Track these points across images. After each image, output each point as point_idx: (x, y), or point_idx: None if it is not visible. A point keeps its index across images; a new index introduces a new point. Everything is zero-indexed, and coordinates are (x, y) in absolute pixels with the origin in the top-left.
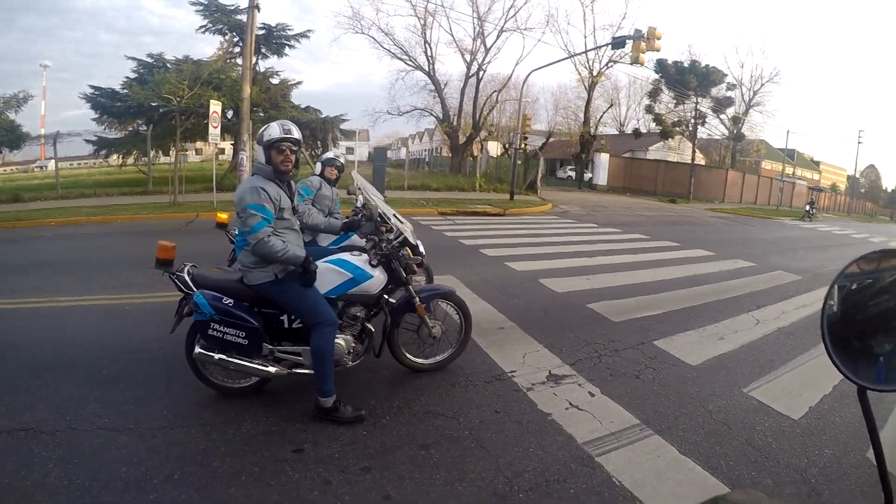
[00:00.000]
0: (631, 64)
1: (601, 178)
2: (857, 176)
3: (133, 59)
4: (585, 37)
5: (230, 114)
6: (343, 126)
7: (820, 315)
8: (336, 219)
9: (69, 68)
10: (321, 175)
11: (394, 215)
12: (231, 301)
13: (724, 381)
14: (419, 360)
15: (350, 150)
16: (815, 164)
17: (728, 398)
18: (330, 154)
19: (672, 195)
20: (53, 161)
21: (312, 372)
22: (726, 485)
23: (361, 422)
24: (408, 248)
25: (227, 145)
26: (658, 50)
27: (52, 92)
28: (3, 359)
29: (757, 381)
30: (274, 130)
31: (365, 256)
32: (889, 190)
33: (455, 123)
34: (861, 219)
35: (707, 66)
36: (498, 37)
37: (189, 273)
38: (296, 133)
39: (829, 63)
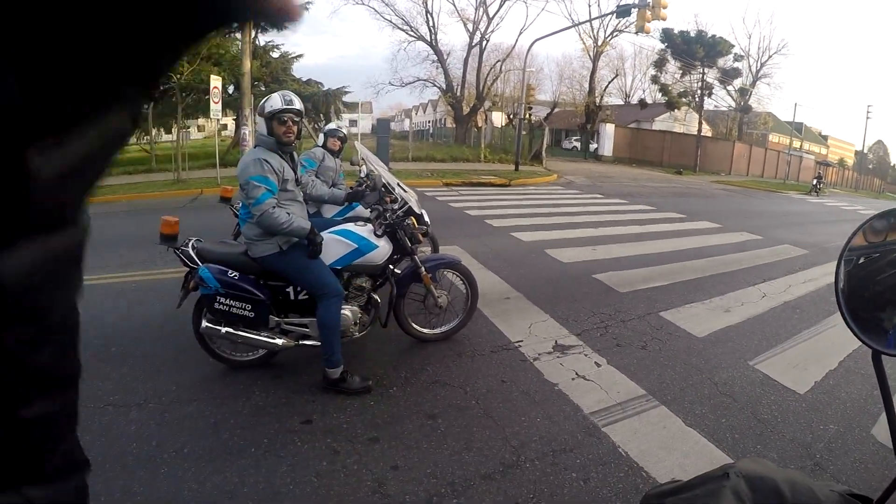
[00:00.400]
0: (636, 33)
1: (606, 148)
2: (866, 151)
3: None
4: (590, 5)
5: (231, 89)
6: (346, 98)
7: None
8: (340, 190)
9: None
10: (324, 146)
11: (398, 184)
12: (236, 274)
13: (729, 353)
14: (425, 330)
15: (353, 123)
16: (822, 139)
17: (734, 371)
18: (332, 125)
19: (678, 167)
20: None
21: (319, 343)
22: (731, 457)
23: (369, 392)
24: (412, 218)
25: (229, 121)
26: (664, 19)
27: None
28: None
29: (763, 354)
30: (275, 101)
31: (369, 227)
32: None
33: (459, 94)
34: (869, 195)
35: (714, 36)
36: (501, 5)
37: (193, 247)
38: (297, 103)
39: (839, 35)
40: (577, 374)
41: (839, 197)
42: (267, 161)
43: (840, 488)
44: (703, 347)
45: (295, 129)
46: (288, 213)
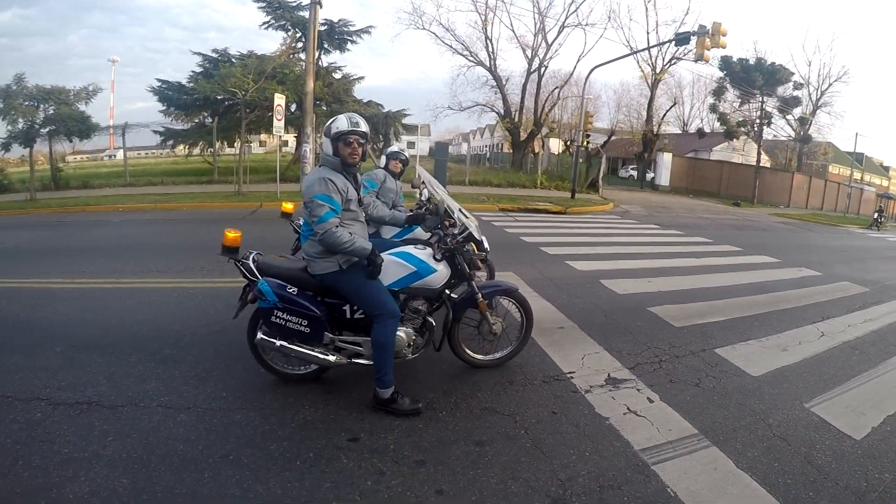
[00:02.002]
0: (695, 61)
1: (663, 178)
2: None
3: (199, 53)
4: (648, 33)
5: (293, 107)
6: (405, 121)
7: None
8: (400, 211)
9: (136, 63)
10: (385, 168)
11: (459, 210)
12: (295, 289)
13: (785, 394)
14: (478, 356)
15: (411, 145)
16: (884, 170)
17: (789, 412)
18: (394, 147)
19: (736, 198)
20: (122, 150)
21: (372, 363)
22: (782, 503)
23: (418, 415)
24: (472, 244)
25: (291, 138)
26: (723, 47)
27: (120, 85)
28: (68, 335)
29: (819, 396)
30: (342, 123)
31: (429, 250)
32: None
33: (516, 120)
34: None
35: (773, 63)
36: (559, 32)
37: (254, 260)
38: (363, 126)
39: None
40: (628, 408)
41: None
42: (332, 181)
43: None
44: (758, 387)
45: (360, 150)
46: (350, 233)
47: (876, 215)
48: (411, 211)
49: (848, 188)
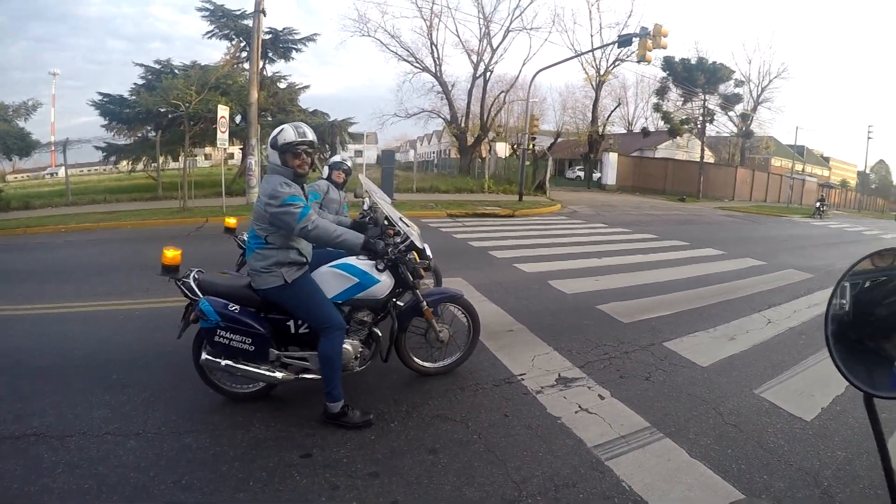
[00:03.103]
0: (638, 62)
1: (610, 177)
2: (868, 172)
3: (141, 65)
4: (592, 35)
5: (238, 118)
6: (351, 129)
7: (824, 316)
8: (344, 221)
9: (78, 76)
10: (328, 179)
11: (400, 219)
12: (237, 307)
13: (734, 382)
14: (427, 364)
15: (358, 153)
16: (824, 161)
17: (739, 400)
18: (337, 158)
19: (681, 194)
20: (63, 168)
21: (320, 377)
22: (738, 489)
23: (370, 426)
24: (415, 253)
25: (236, 150)
26: (665, 47)
27: (61, 99)
28: (12, 365)
29: (768, 382)
30: (289, 134)
31: (371, 261)
32: None
33: (463, 125)
34: (872, 215)
35: (714, 62)
36: (504, 37)
37: (195, 279)
38: (310, 135)
39: (838, 57)
40: (580, 406)
41: (843, 219)
42: (290, 185)
43: None
44: (708, 377)
45: (308, 160)
46: (328, 222)
47: (818, 204)
48: (355, 221)
49: (790, 180)
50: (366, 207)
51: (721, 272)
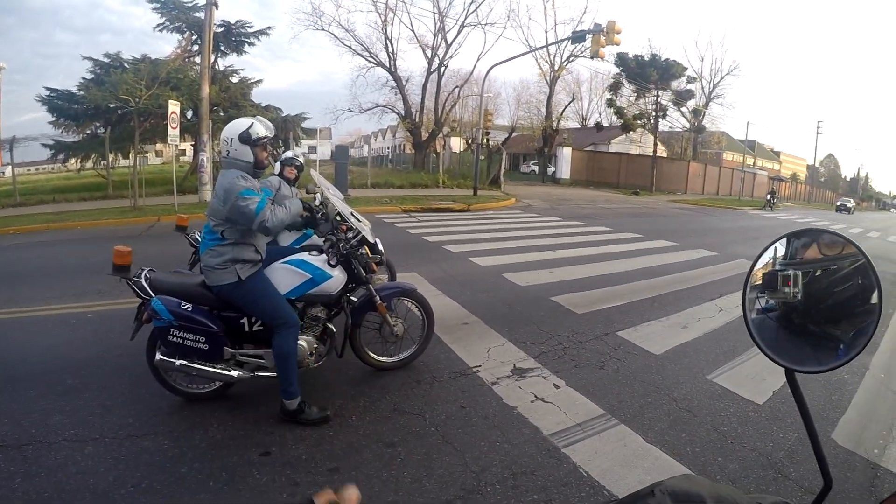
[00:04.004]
0: (591, 58)
1: (564, 171)
2: (817, 165)
3: (89, 59)
4: (546, 31)
5: (189, 114)
6: (305, 125)
7: (742, 297)
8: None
9: (26, 69)
10: (280, 175)
11: (351, 214)
12: (190, 306)
13: (687, 368)
14: (383, 359)
15: (312, 149)
16: (775, 155)
17: (692, 386)
18: (289, 153)
19: (635, 187)
20: (10, 167)
21: (276, 374)
22: (693, 471)
23: (327, 422)
24: (366, 247)
25: (188, 146)
26: (618, 44)
27: (7, 95)
28: None
29: (721, 367)
30: (261, 128)
31: (324, 256)
32: (847, 178)
33: (417, 120)
34: (821, 207)
35: (667, 59)
36: (459, 32)
37: (146, 278)
38: (273, 130)
39: (789, 54)
40: (535, 396)
41: (793, 210)
42: (248, 177)
43: (770, 500)
44: (662, 364)
45: (270, 153)
46: (283, 208)
47: (769, 196)
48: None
49: (741, 173)
50: (317, 203)
51: (674, 263)
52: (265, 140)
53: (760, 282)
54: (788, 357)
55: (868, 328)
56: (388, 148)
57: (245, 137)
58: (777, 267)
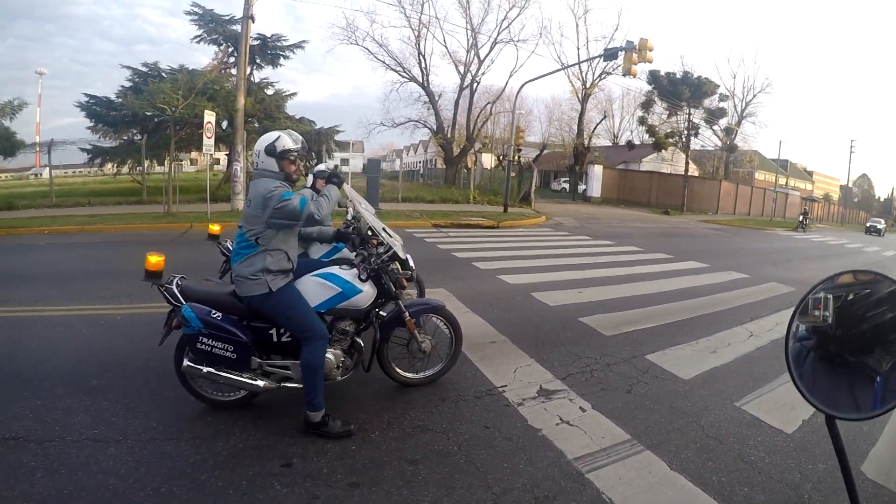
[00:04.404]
0: (623, 75)
1: (595, 189)
2: (850, 185)
3: (128, 67)
4: (578, 48)
5: (224, 124)
6: (338, 137)
7: (786, 335)
8: (328, 227)
9: (65, 76)
10: (312, 187)
11: (383, 229)
12: (219, 314)
13: (716, 395)
14: (409, 375)
15: (345, 162)
16: (808, 175)
17: (720, 412)
18: (322, 166)
19: (665, 207)
20: (48, 169)
21: (301, 386)
22: (719, 502)
23: (350, 436)
24: (397, 263)
25: (222, 156)
26: (650, 61)
27: (47, 99)
28: None
29: (750, 394)
30: (287, 141)
31: (354, 270)
32: (881, 199)
33: (449, 135)
34: (855, 228)
35: (699, 77)
36: (491, 48)
37: (178, 285)
38: (302, 143)
39: (822, 72)
40: (561, 419)
41: (825, 232)
42: (282, 185)
43: None
44: (690, 390)
45: (302, 166)
46: (325, 198)
47: (801, 217)
48: (339, 230)
49: (773, 193)
50: (350, 217)
51: (704, 285)
52: (293, 153)
53: (843, 288)
54: (826, 397)
55: None
56: (420, 162)
57: (271, 150)
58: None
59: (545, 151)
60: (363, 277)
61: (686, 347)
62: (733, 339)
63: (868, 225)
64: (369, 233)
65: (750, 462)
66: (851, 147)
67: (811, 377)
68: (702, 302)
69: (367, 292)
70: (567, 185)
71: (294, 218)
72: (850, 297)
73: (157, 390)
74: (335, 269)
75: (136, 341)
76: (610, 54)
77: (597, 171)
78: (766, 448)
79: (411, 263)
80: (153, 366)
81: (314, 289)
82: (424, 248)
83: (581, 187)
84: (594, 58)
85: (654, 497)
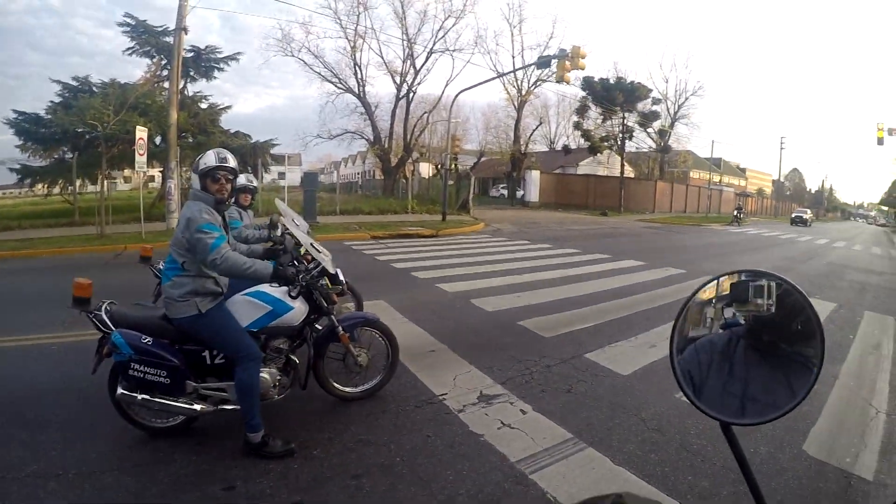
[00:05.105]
0: (557, 82)
1: (533, 194)
2: (782, 180)
3: (58, 82)
4: (514, 57)
5: (158, 140)
6: (274, 150)
7: (671, 334)
8: (258, 247)
9: None
10: (236, 203)
11: (311, 244)
12: (150, 339)
13: (655, 388)
14: (347, 389)
15: (282, 175)
16: (741, 171)
17: (661, 405)
18: (242, 180)
19: (603, 208)
20: None
21: (239, 407)
22: (663, 491)
23: (292, 455)
24: (326, 278)
25: (157, 173)
26: (583, 68)
27: None
28: None
29: None
30: (209, 158)
31: (284, 288)
32: (812, 191)
33: (386, 146)
34: (787, 220)
35: (632, 82)
36: (427, 58)
37: (107, 311)
38: (231, 162)
39: (752, 74)
40: (502, 423)
41: (760, 225)
42: (211, 211)
43: None
44: (630, 385)
45: (228, 186)
46: (242, 256)
47: (736, 212)
48: (267, 248)
49: (708, 191)
50: (279, 233)
51: (642, 282)
52: (217, 171)
53: (728, 292)
54: (719, 407)
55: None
56: (359, 174)
57: (194, 167)
58: (744, 277)
59: (483, 159)
60: (293, 294)
61: (625, 344)
62: (670, 333)
63: (794, 216)
64: (302, 250)
65: (692, 451)
66: (781, 143)
67: (728, 368)
68: (640, 299)
69: (299, 309)
70: (506, 192)
71: (201, 253)
72: (787, 287)
73: (94, 420)
74: (265, 287)
75: (70, 371)
76: (543, 62)
77: (534, 176)
78: (707, 436)
79: (341, 277)
80: (89, 395)
81: (244, 308)
82: (363, 261)
83: (519, 193)
84: (528, 66)
85: (598, 492)
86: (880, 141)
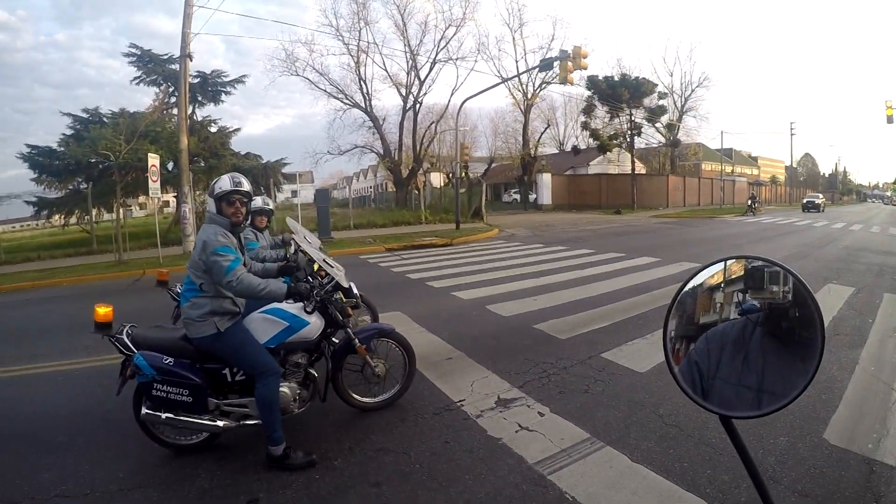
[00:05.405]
0: (561, 84)
1: (545, 197)
2: (795, 166)
3: (69, 114)
4: (517, 61)
5: (170, 165)
6: (286, 169)
7: (664, 321)
8: (272, 265)
9: (6, 126)
10: (252, 225)
11: (324, 260)
12: (171, 360)
13: (673, 384)
14: (366, 400)
15: (294, 194)
16: (753, 160)
17: (678, 401)
18: (258, 203)
19: (616, 207)
20: None
21: (261, 422)
22: (682, 487)
23: (314, 466)
24: (340, 292)
25: (171, 198)
26: (585, 68)
27: None
28: None
29: None
30: (224, 183)
31: (300, 304)
32: (826, 175)
33: (396, 158)
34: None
35: (637, 77)
36: (431, 68)
37: (128, 334)
38: (246, 185)
39: (757, 61)
40: (520, 426)
41: (774, 213)
42: (226, 234)
43: None
44: (647, 382)
45: (243, 210)
46: (258, 278)
47: (749, 202)
48: (281, 266)
49: (720, 182)
50: (293, 251)
51: (657, 279)
52: (227, 194)
53: (742, 274)
54: (719, 401)
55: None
56: (371, 187)
57: (210, 192)
58: (756, 265)
59: (493, 165)
60: (309, 309)
61: (641, 342)
62: None
63: (805, 201)
64: (315, 267)
65: (711, 444)
66: (791, 129)
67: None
68: (655, 296)
69: (315, 324)
70: (518, 196)
71: (217, 276)
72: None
73: (120, 440)
74: (281, 304)
75: (96, 394)
76: (545, 65)
77: (546, 178)
78: None
79: (355, 291)
80: (115, 416)
81: (262, 325)
82: (378, 273)
83: (532, 196)
84: (532, 69)
85: (616, 491)
86: (889, 119)
